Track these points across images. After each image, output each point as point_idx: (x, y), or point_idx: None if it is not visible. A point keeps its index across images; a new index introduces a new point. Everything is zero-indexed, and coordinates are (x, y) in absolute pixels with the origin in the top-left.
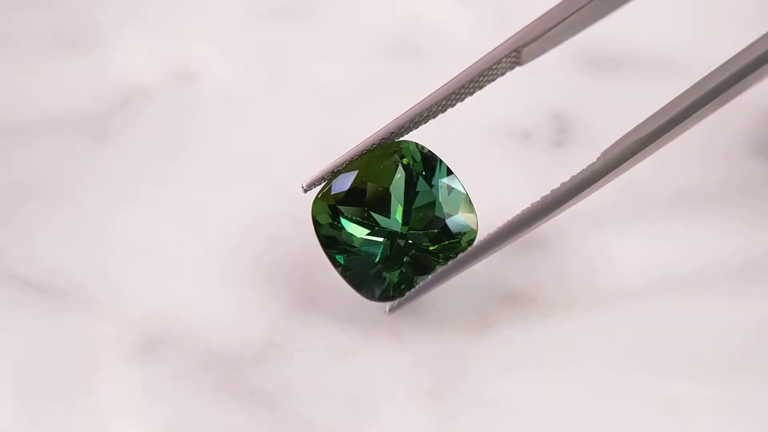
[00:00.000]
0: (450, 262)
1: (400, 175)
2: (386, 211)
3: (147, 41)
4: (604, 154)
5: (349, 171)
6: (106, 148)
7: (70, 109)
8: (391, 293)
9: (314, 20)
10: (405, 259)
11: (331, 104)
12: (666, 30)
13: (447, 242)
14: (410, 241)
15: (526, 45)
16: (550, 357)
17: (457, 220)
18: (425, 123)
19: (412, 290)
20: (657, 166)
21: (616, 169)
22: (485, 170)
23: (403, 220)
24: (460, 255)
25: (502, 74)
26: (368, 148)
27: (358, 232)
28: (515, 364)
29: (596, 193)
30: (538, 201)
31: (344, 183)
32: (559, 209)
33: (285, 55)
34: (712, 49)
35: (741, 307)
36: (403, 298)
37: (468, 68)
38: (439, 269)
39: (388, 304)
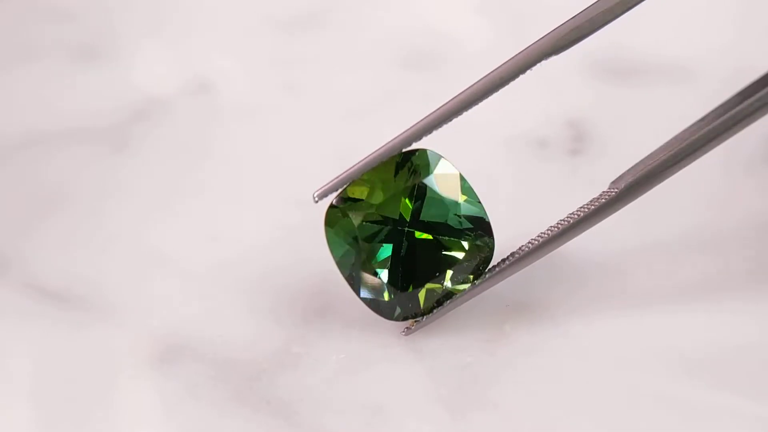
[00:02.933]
0: (466, 289)
1: (411, 183)
2: (396, 214)
3: (166, 53)
4: (621, 181)
5: (362, 181)
6: (126, 158)
7: (91, 119)
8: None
9: (331, 31)
10: (404, 244)
11: (347, 114)
12: (682, 38)
13: (454, 239)
14: (418, 239)
15: (555, 52)
16: (567, 366)
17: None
18: (439, 128)
19: (430, 315)
20: (679, 180)
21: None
22: (501, 178)
23: (410, 221)
24: (477, 282)
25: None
26: (382, 158)
27: (369, 231)
28: (533, 373)
29: None
30: (554, 229)
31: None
32: (576, 235)
33: (302, 66)
34: (728, 57)
35: (761, 316)
36: (420, 323)
37: (488, 75)
38: (458, 297)
39: (404, 327)
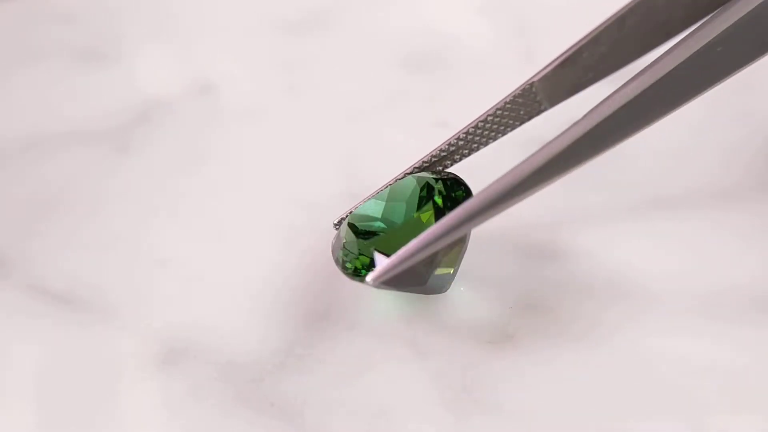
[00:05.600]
0: (431, 228)
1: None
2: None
3: (168, 55)
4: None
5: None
6: (129, 160)
7: (93, 121)
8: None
9: (333, 33)
10: None
11: (350, 116)
12: None
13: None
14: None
15: (538, 75)
16: (571, 368)
17: None
18: (453, 162)
19: (394, 257)
20: (678, 172)
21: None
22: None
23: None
24: (443, 220)
25: (529, 118)
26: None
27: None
28: (535, 375)
29: (613, 199)
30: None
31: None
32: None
33: (304, 68)
34: None
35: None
36: (384, 267)
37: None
38: (421, 235)
39: (370, 276)
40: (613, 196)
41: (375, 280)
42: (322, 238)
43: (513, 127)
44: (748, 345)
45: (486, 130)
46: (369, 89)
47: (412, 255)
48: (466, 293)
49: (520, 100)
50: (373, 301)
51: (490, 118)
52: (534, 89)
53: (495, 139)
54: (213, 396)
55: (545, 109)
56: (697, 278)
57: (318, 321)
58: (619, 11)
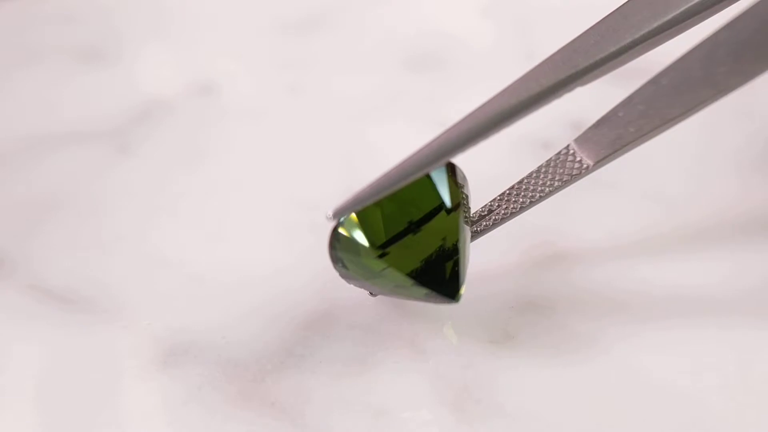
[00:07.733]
0: (400, 164)
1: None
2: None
3: (169, 54)
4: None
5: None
6: (129, 160)
7: (94, 121)
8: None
9: (334, 33)
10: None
11: (351, 116)
12: (685, 38)
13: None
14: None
15: (575, 138)
16: (571, 368)
17: None
18: (493, 224)
19: (357, 192)
20: (688, 181)
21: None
22: (505, 179)
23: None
24: (416, 155)
25: (571, 178)
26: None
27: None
28: (536, 375)
29: (615, 202)
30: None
31: None
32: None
33: (305, 68)
34: None
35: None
36: (348, 201)
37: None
38: (390, 169)
39: (331, 210)
40: (616, 199)
41: (336, 214)
42: (322, 237)
43: (555, 188)
44: (749, 352)
45: (524, 190)
46: (369, 89)
47: (379, 190)
48: (466, 292)
49: (558, 162)
50: (373, 300)
51: (526, 180)
52: (571, 150)
53: (536, 200)
54: (214, 396)
55: (589, 168)
56: (696, 280)
57: (318, 321)
58: (654, 76)
